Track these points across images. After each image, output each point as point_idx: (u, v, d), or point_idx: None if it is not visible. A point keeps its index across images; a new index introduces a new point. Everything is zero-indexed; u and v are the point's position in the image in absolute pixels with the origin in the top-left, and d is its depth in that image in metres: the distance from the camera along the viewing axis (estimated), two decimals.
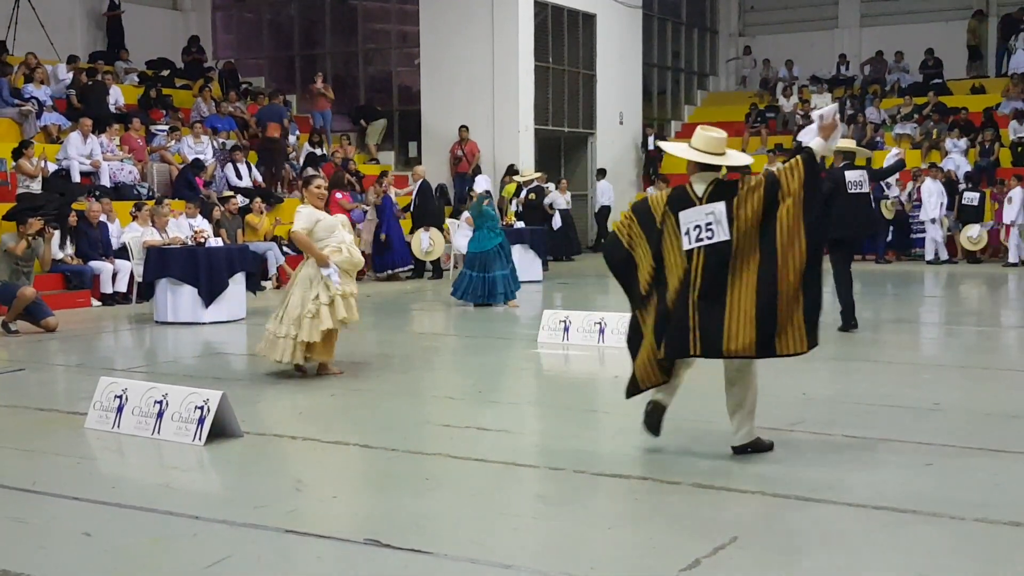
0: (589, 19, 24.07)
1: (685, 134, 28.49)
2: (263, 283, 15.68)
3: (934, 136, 23.91)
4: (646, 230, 6.06)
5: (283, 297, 8.93)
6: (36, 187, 15.79)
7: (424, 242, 17.50)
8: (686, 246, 5.90)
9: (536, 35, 22.36)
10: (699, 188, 5.96)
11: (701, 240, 5.86)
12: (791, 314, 5.79)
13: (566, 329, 10.43)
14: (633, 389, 6.26)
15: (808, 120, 25.44)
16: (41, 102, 18.51)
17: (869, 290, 16.37)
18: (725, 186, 5.94)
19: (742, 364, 6.06)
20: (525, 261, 17.47)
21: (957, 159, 22.40)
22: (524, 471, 6.09)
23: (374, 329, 13.02)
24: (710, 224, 5.85)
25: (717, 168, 6.03)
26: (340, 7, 25.70)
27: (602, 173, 23.93)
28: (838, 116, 6.34)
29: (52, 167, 16.56)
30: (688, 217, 5.90)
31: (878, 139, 25.06)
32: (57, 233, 14.34)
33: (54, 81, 19.71)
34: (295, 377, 8.82)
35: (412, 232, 18.02)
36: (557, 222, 21.83)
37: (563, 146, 24.84)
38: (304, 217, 8.76)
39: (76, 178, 16.73)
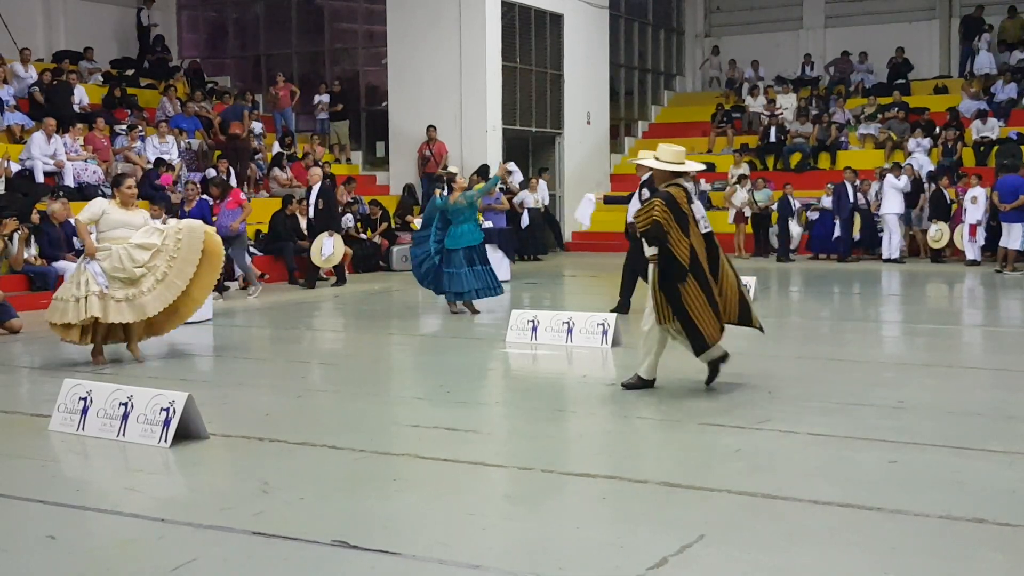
0: (556, 19, 24.10)
1: (652, 134, 28.60)
2: (228, 283, 15.58)
3: (894, 138, 24.11)
4: (677, 218, 7.56)
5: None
6: None
7: (327, 247, 16.50)
8: (703, 230, 7.67)
9: (503, 35, 22.36)
10: (688, 187, 7.84)
11: (708, 228, 7.74)
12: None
13: (534, 329, 10.44)
14: (703, 347, 7.71)
15: (774, 118, 25.60)
16: (3, 101, 18.32)
17: (830, 289, 16.50)
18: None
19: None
20: (493, 261, 17.42)
21: (920, 159, 22.60)
22: (492, 471, 6.10)
23: (340, 330, 13.00)
24: (704, 216, 7.80)
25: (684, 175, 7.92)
26: (306, 6, 25.61)
27: (543, 172, 23.62)
28: None
29: (15, 167, 16.39)
30: (698, 209, 7.73)
31: (843, 139, 25.27)
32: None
33: (16, 80, 19.52)
34: (261, 379, 8.78)
35: (314, 237, 16.62)
36: (525, 221, 21.84)
37: (531, 146, 24.85)
38: (89, 207, 9.57)
39: (40, 178, 16.56)
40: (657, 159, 7.92)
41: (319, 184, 16.62)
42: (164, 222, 10.54)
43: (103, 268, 9.32)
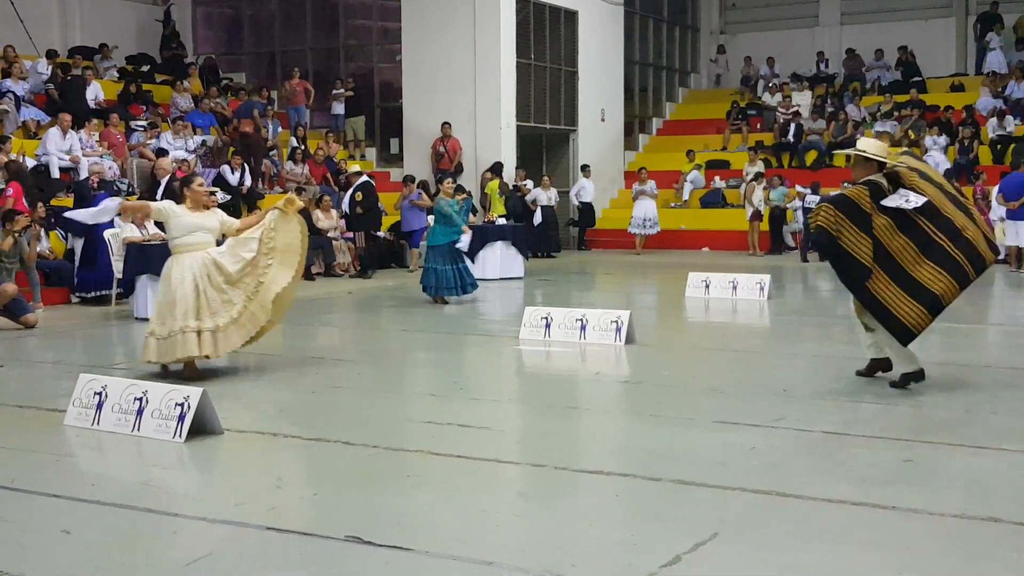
0: (571, 16, 24.07)
1: (666, 131, 28.58)
2: None
3: (911, 136, 24.02)
4: (852, 216, 7.41)
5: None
6: None
7: None
8: (913, 204, 7.40)
9: (518, 32, 22.34)
10: (882, 181, 7.54)
11: (910, 202, 7.39)
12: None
13: (548, 326, 10.44)
14: (907, 335, 7.56)
15: (789, 117, 25.52)
16: (18, 97, 18.38)
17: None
18: (890, 176, 7.58)
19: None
20: (507, 258, 17.49)
21: (937, 156, 22.50)
22: (506, 468, 6.10)
23: (354, 326, 13.02)
24: (908, 199, 7.41)
25: (881, 166, 7.61)
26: (321, 3, 25.64)
27: (585, 169, 23.87)
28: None
29: (31, 163, 16.44)
30: (891, 200, 7.40)
31: (858, 136, 25.17)
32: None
33: (32, 76, 19.58)
34: (275, 374, 8.79)
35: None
36: (538, 218, 21.83)
37: (545, 143, 24.84)
38: (160, 205, 8.88)
39: (55, 174, 16.62)
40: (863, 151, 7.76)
41: (167, 178, 14.56)
42: None
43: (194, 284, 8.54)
